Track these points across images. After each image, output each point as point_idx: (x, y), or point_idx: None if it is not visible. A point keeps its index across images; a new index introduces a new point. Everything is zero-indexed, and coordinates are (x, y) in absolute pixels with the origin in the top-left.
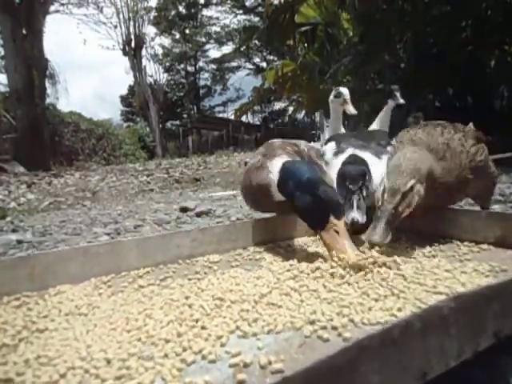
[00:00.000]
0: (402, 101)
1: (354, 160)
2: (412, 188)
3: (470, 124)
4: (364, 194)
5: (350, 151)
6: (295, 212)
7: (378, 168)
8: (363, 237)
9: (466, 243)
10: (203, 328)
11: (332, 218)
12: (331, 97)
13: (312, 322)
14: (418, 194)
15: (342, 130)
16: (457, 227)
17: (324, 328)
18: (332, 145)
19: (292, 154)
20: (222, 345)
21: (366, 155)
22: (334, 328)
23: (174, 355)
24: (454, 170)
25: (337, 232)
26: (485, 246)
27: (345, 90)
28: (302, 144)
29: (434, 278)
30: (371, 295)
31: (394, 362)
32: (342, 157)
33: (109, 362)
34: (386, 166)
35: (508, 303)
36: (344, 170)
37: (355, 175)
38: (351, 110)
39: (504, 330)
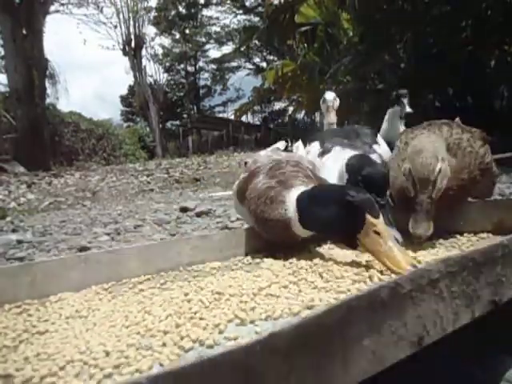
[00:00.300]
0: (409, 109)
1: (364, 161)
2: (440, 171)
3: (457, 119)
4: (390, 201)
5: (336, 150)
6: (329, 236)
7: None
8: None
9: (465, 234)
10: (201, 319)
11: (369, 218)
12: (321, 99)
13: (310, 308)
14: (445, 174)
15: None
16: (454, 220)
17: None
18: (316, 145)
19: (303, 179)
20: (221, 332)
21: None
22: None
23: (172, 344)
24: (464, 170)
25: (377, 233)
26: (483, 235)
27: (329, 96)
28: (304, 161)
29: None
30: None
31: (386, 326)
32: (329, 156)
33: (107, 353)
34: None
35: (500, 268)
36: (365, 176)
37: (379, 183)
38: (329, 118)
39: (503, 298)
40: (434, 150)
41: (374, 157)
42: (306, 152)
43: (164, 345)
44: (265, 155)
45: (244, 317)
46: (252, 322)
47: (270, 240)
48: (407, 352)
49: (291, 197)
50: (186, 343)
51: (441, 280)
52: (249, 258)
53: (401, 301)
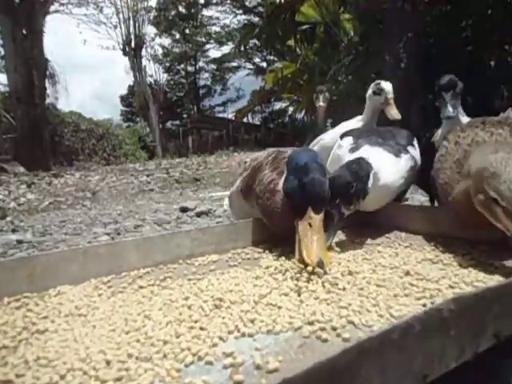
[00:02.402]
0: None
1: (351, 163)
2: None
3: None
4: (343, 210)
5: (365, 148)
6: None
7: (394, 168)
8: None
9: (464, 243)
10: (202, 329)
11: (310, 210)
12: (369, 92)
13: (311, 323)
14: None
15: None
16: (455, 227)
17: (323, 329)
18: (349, 140)
19: None
20: (221, 346)
21: (381, 154)
22: (334, 329)
23: (173, 356)
24: None
25: (310, 226)
26: (483, 247)
27: (387, 86)
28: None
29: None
30: (368, 296)
31: (395, 365)
32: (357, 154)
33: (108, 363)
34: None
35: (508, 305)
36: (329, 178)
37: (335, 188)
38: (394, 114)
39: (504, 332)
40: (509, 169)
41: (402, 156)
42: (336, 146)
43: (164, 357)
44: (262, 153)
45: (245, 330)
46: (253, 335)
47: (278, 232)
48: None
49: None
50: (187, 357)
51: (450, 319)
52: (247, 250)
53: (410, 340)
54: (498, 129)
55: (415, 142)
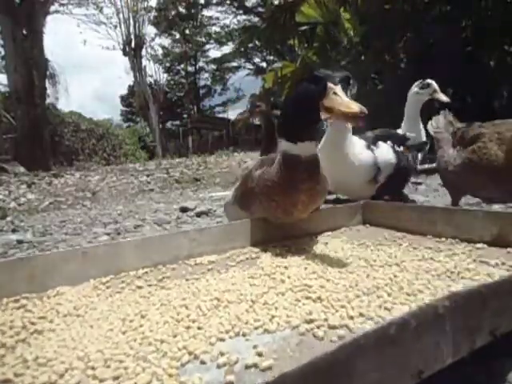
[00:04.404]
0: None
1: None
2: None
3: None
4: None
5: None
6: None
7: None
8: None
9: (462, 242)
10: (199, 328)
11: (330, 84)
12: (415, 89)
13: (308, 321)
14: None
15: (421, 127)
16: (453, 226)
17: (320, 326)
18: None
19: None
20: (218, 345)
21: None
22: (331, 327)
23: (170, 355)
24: None
25: (336, 94)
26: (479, 245)
27: (431, 81)
28: None
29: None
30: (365, 292)
31: (391, 361)
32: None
33: (106, 362)
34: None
35: (504, 302)
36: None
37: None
38: (443, 97)
39: (500, 329)
40: None
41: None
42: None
43: (162, 356)
44: (252, 162)
45: (242, 329)
46: (249, 334)
47: (279, 219)
48: None
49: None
50: (183, 356)
51: (445, 315)
52: (246, 250)
53: (406, 336)
54: None
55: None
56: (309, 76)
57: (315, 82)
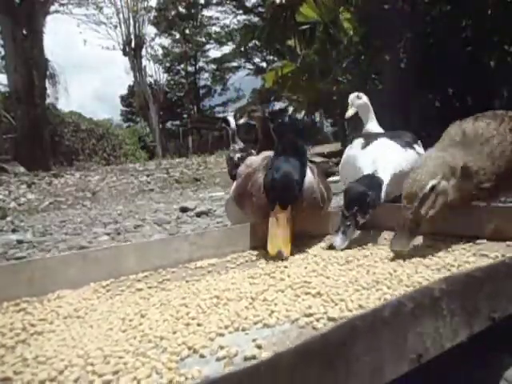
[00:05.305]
0: None
1: (365, 179)
2: (433, 188)
3: None
4: (359, 218)
5: (378, 141)
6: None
7: (401, 155)
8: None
9: (461, 238)
10: (199, 325)
11: (277, 207)
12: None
13: (308, 315)
14: (442, 193)
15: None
16: (452, 223)
17: (320, 319)
18: (360, 140)
19: None
20: (218, 339)
21: (389, 144)
22: (330, 319)
23: (170, 351)
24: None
25: (277, 219)
26: (479, 241)
27: (351, 96)
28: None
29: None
30: (365, 287)
31: (387, 343)
32: (370, 148)
33: (105, 358)
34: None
35: (500, 286)
36: (346, 189)
37: (352, 198)
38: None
39: (498, 313)
40: (433, 168)
41: (409, 150)
42: (348, 148)
43: (162, 351)
44: (256, 158)
45: (241, 324)
46: (249, 329)
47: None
48: (406, 369)
49: None
50: (183, 351)
51: (442, 298)
52: (246, 254)
53: (403, 319)
54: (488, 120)
55: (419, 142)
56: (276, 172)
57: (272, 185)
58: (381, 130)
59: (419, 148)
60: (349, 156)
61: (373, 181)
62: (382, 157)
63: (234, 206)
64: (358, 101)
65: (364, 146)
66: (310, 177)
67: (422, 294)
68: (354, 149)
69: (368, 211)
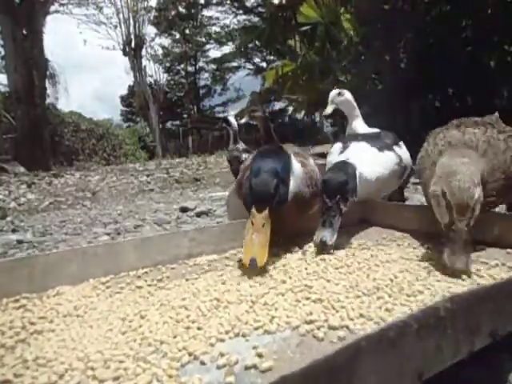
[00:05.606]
0: None
1: (338, 166)
2: (478, 197)
3: (496, 114)
4: (342, 206)
5: (353, 145)
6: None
7: (376, 160)
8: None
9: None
10: (199, 329)
11: (253, 209)
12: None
13: (308, 322)
14: (479, 201)
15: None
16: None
17: (320, 327)
18: (339, 145)
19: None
20: (218, 345)
21: (365, 149)
22: (331, 328)
23: (170, 356)
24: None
25: (253, 224)
26: (479, 246)
27: (332, 93)
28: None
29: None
30: (365, 293)
31: (391, 363)
32: (345, 154)
33: (105, 362)
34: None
35: (503, 304)
36: (323, 180)
37: (333, 188)
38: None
39: (499, 330)
40: (470, 172)
41: (387, 152)
42: (329, 154)
43: (162, 357)
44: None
45: (242, 329)
46: (249, 335)
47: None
48: None
49: None
50: (183, 357)
51: (447, 317)
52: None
53: (408, 339)
54: (475, 128)
55: (401, 143)
56: (253, 175)
57: (249, 189)
58: (366, 128)
59: (399, 149)
60: (328, 162)
61: (346, 166)
62: (355, 157)
63: (235, 199)
64: (338, 98)
65: (341, 152)
66: (297, 174)
67: (428, 315)
68: (332, 155)
69: (349, 198)
